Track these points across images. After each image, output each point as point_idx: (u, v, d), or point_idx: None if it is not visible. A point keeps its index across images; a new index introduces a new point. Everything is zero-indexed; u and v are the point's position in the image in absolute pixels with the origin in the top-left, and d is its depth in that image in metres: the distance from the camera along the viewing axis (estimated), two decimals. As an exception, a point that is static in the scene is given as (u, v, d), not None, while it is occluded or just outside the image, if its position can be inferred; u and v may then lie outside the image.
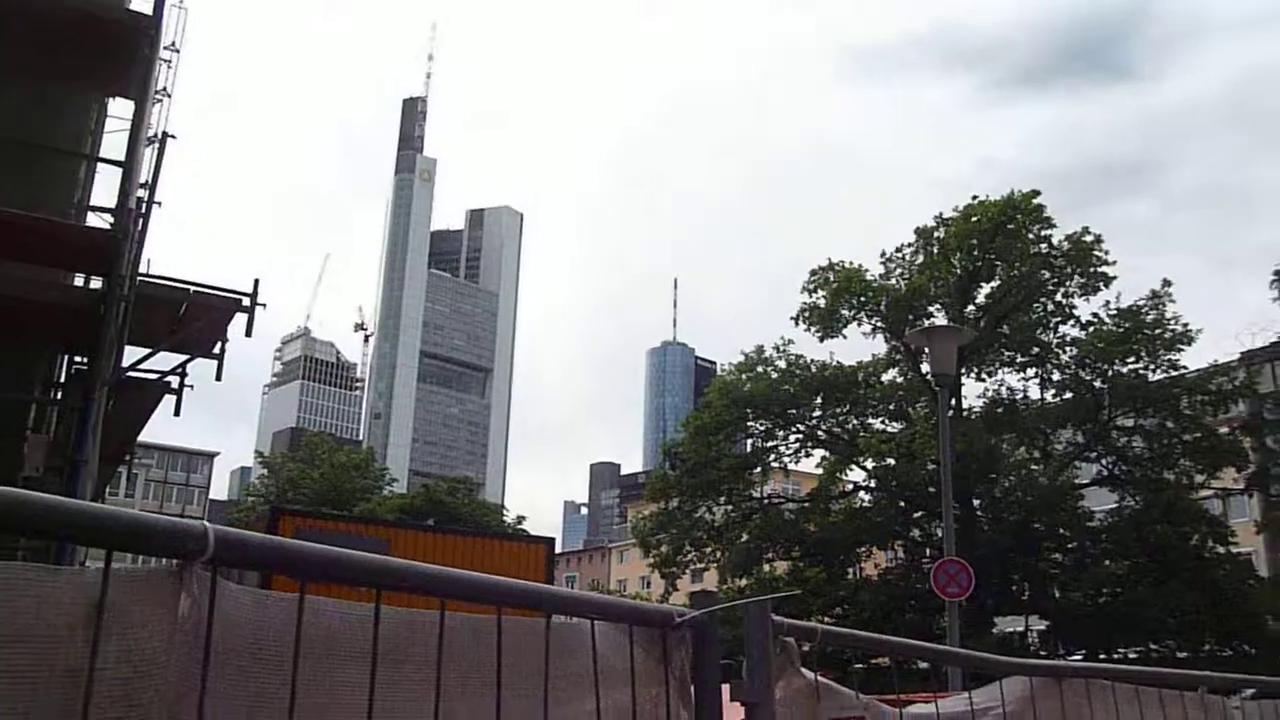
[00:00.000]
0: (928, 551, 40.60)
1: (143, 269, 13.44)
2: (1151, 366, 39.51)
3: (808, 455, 43.53)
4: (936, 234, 42.27)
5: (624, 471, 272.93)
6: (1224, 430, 39.32)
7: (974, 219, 41.20)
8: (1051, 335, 41.41)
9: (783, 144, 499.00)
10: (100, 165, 14.04)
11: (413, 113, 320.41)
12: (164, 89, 15.36)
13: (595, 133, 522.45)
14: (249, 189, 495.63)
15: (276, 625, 1.85)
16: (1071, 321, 41.18)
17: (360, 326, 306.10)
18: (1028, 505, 38.94)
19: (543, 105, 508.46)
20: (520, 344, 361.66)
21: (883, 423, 42.95)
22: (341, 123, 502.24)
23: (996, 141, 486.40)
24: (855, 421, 43.52)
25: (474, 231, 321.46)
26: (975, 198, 41.90)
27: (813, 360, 42.67)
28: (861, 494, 43.93)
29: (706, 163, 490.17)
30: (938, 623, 31.38)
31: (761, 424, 43.32)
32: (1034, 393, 41.46)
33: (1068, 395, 40.87)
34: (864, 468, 42.29)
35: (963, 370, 38.86)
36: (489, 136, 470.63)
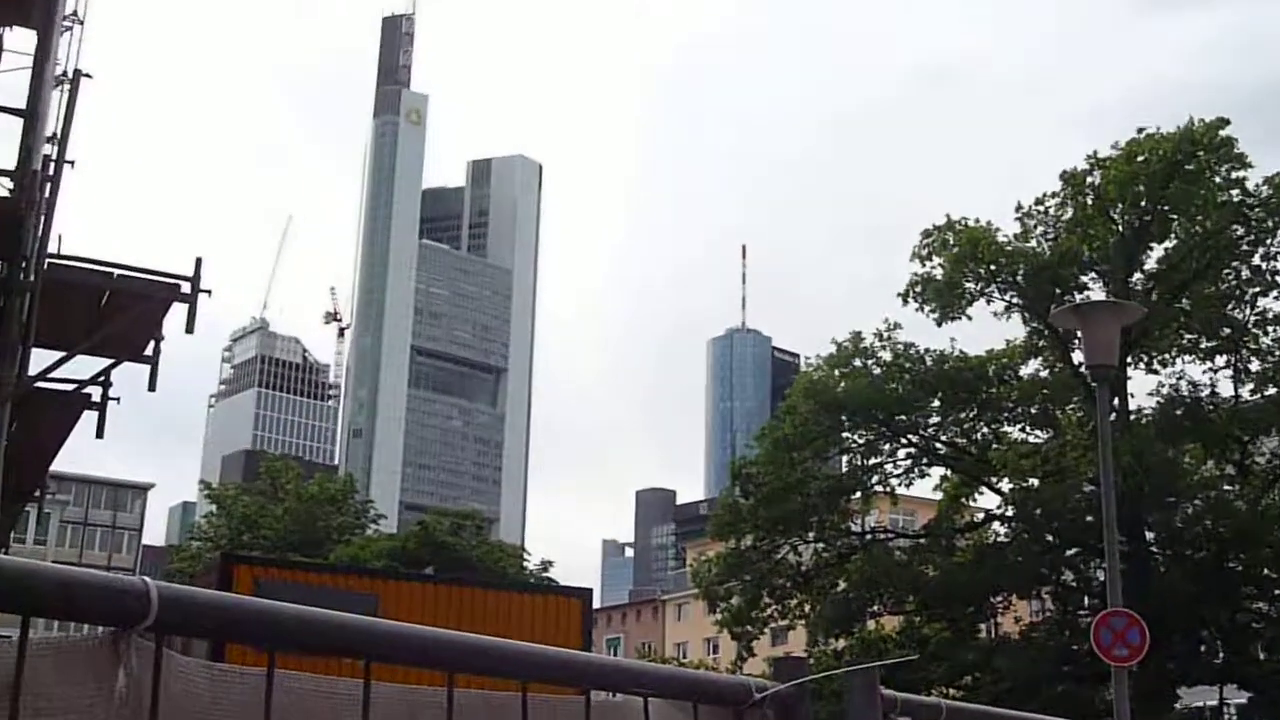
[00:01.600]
0: (1086, 601, 40.64)
1: (52, 248, 13.59)
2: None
3: (923, 475, 43.68)
4: (1090, 180, 42.02)
5: (680, 501, 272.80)
6: None
7: (1140, 159, 40.90)
8: (1247, 311, 41.29)
9: (878, 72, 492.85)
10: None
11: (395, 36, 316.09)
12: (74, 13, 15.55)
13: (632, 62, 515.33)
14: (188, 142, 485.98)
15: (238, 706, 1.88)
16: (1275, 293, 40.93)
17: (333, 316, 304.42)
18: (1220, 538, 38.57)
19: (564, 25, 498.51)
20: (542, 335, 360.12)
21: (1022, 430, 43.16)
22: (305, 52, 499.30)
23: (1164, 55, 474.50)
24: (986, 430, 43.47)
25: (479, 190, 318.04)
26: (1142, 131, 41.49)
27: (928, 350, 42.59)
28: (995, 526, 43.98)
29: (778, 98, 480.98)
30: (1101, 696, 31.05)
31: (861, 435, 43.34)
32: (1225, 388, 41.24)
33: (1271, 391, 40.52)
34: (998, 491, 42.41)
35: (1128, 360, 38.84)
36: (495, 67, 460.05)
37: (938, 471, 43.63)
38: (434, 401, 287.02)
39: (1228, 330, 41.33)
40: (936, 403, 42.47)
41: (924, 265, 42.37)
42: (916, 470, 43.35)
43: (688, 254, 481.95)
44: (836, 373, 42.90)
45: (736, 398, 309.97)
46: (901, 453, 43.29)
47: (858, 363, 42.74)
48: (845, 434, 43.51)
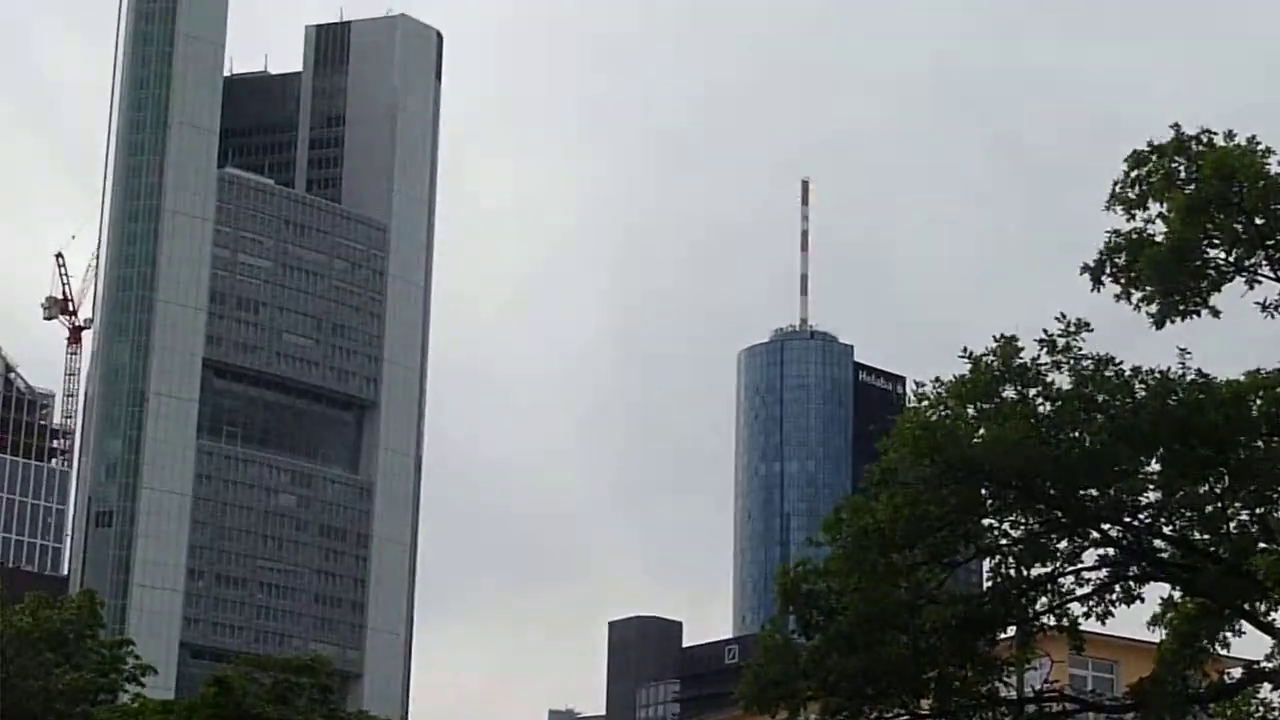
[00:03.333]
0: None
1: None
2: None
3: (1131, 598, 31.71)
4: None
5: (690, 639, 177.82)
6: None
7: None
8: None
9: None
10: None
11: None
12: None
13: None
14: None
15: None
16: None
17: (63, 308, 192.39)
18: None
19: None
20: (443, 345, 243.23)
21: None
22: None
23: None
24: (1245, 516, 30.51)
25: (327, 78, 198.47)
26: None
27: (1139, 371, 29.67)
28: (1266, 690, 32.18)
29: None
30: None
31: (1018, 522, 31.27)
32: None
33: None
34: (1269, 628, 30.69)
35: None
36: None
37: (1157, 590, 32.23)
38: (246, 461, 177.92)
39: None
40: (1155, 465, 30.45)
41: (1131, 216, 29.48)
42: (1118, 588, 31.54)
43: (704, 197, 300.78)
44: (971, 410, 30.23)
45: (790, 454, 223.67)
46: (1090, 555, 31.37)
47: (1009, 392, 30.14)
48: (988, 520, 31.09)
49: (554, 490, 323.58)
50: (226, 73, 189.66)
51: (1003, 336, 29.04)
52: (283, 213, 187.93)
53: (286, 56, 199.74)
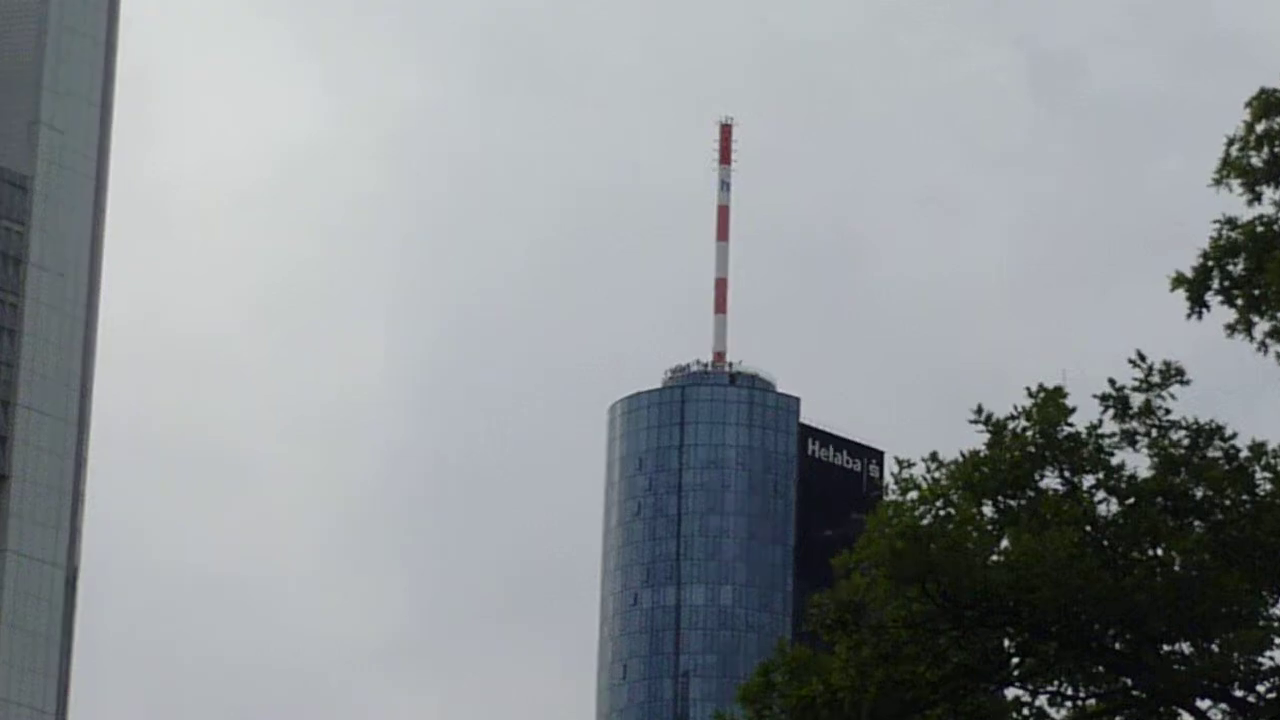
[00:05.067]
0: None
1: None
2: None
3: None
4: None
5: None
6: None
7: None
8: None
9: None
10: None
11: None
12: None
13: None
14: None
15: None
16: None
17: None
18: None
19: None
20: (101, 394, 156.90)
21: None
22: None
23: None
24: None
25: None
26: None
27: (1259, 448, 20.34)
28: None
29: None
30: None
31: (1062, 692, 21.57)
32: None
33: None
34: None
35: None
36: None
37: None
38: None
39: None
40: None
41: (1255, 197, 19.69)
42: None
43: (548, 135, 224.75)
44: (989, 510, 20.52)
45: (693, 573, 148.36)
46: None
47: (1052, 481, 20.37)
48: (1014, 689, 21.13)
49: (309, 636, 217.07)
50: None
51: (1041, 389, 19.47)
52: None
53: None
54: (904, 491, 20.32)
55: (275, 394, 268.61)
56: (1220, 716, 20.19)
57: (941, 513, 19.96)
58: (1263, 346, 19.23)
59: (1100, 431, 19.97)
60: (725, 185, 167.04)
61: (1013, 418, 19.29)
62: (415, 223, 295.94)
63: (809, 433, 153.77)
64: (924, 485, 20.04)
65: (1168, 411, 19.70)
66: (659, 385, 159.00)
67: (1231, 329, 19.38)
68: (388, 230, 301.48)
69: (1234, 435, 19.73)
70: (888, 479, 20.72)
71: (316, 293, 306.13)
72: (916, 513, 20.03)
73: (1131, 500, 19.76)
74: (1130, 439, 19.79)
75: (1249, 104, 18.97)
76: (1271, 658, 20.31)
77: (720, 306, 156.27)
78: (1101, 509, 19.99)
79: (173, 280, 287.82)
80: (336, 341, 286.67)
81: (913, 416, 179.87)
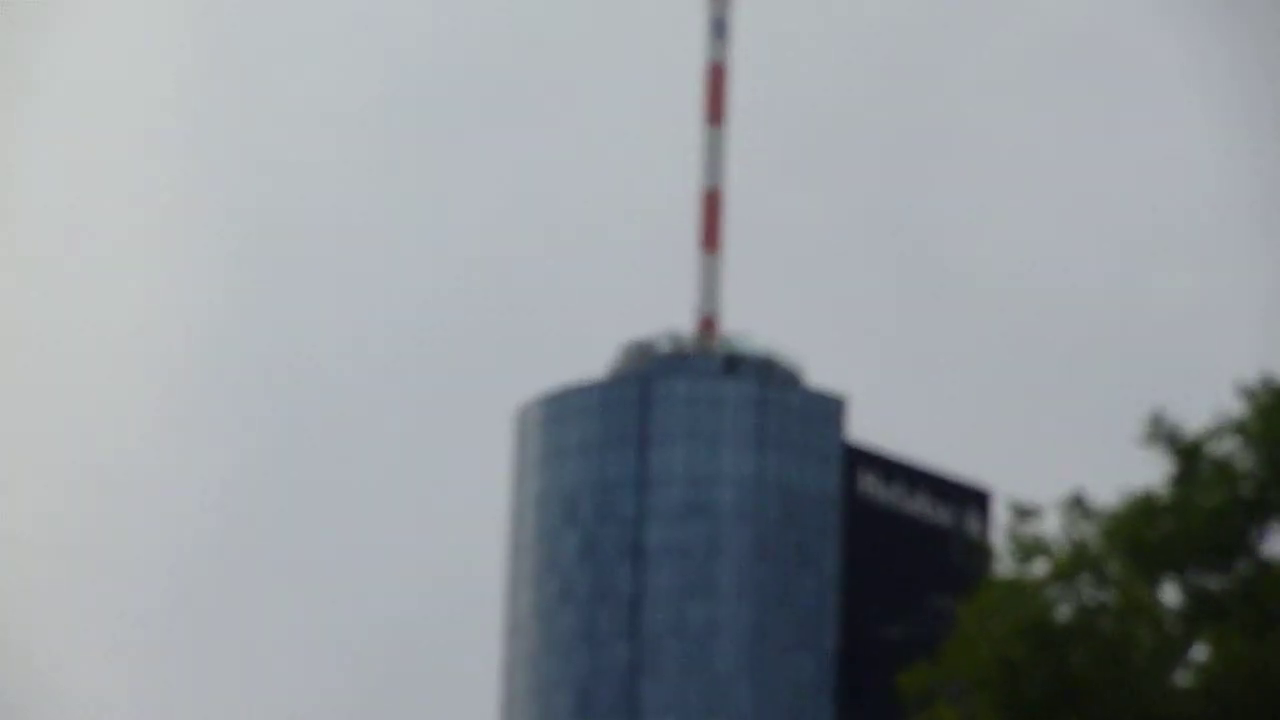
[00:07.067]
0: None
1: None
2: None
3: None
4: None
5: None
6: None
7: None
8: None
9: None
10: None
11: None
12: None
13: None
14: None
15: None
16: None
17: None
18: None
19: None
20: None
21: None
22: None
23: None
24: None
25: None
26: None
27: None
28: None
29: None
30: None
31: None
32: None
33: None
34: None
35: None
36: None
37: None
38: None
39: None
40: None
41: None
42: None
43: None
44: (1175, 594, 12.76)
45: (675, 700, 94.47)
46: None
47: None
48: None
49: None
50: None
51: (1268, 385, 13.08)
52: None
53: None
54: (1025, 559, 13.57)
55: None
56: None
57: (1090, 597, 13.41)
58: None
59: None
60: (719, 28, 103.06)
61: (1214, 434, 12.71)
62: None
63: (860, 457, 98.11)
64: (1060, 550, 13.45)
65: None
66: (604, 375, 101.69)
67: None
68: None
69: None
70: (997, 538, 13.71)
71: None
72: (1047, 597, 13.25)
73: None
74: None
75: None
76: None
77: (709, 240, 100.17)
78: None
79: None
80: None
81: (1037, 433, 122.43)
